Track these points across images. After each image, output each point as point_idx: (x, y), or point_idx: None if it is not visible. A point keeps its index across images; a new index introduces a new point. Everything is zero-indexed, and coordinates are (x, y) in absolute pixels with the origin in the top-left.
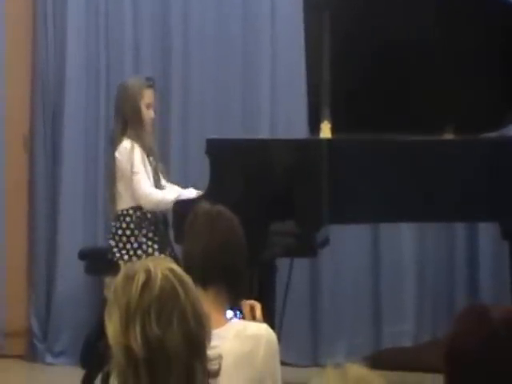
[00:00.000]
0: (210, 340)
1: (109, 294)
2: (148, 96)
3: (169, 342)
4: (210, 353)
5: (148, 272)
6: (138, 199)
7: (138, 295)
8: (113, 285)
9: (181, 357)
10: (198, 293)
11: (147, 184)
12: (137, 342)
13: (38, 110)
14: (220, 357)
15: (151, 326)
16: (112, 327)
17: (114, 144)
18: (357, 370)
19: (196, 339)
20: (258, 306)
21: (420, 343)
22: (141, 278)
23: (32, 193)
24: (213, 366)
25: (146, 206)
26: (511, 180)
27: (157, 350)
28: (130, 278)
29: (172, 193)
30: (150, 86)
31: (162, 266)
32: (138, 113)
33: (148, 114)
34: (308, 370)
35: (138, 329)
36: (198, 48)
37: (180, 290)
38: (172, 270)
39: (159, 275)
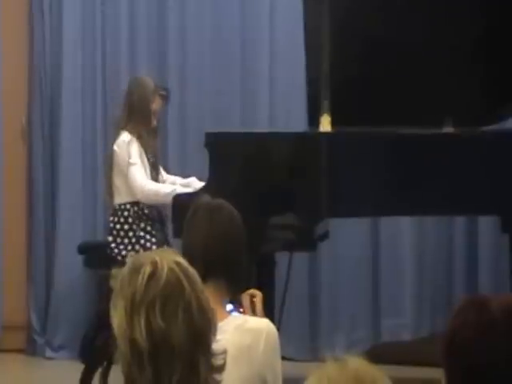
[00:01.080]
0: (215, 335)
1: (115, 285)
2: (157, 104)
3: (173, 335)
4: (215, 347)
5: (154, 264)
6: (134, 191)
7: (143, 287)
8: (119, 276)
9: (184, 350)
10: (203, 287)
11: (143, 175)
12: (141, 334)
13: (36, 100)
14: (225, 352)
15: (156, 318)
16: (117, 318)
17: (115, 132)
18: (357, 363)
19: (200, 333)
20: (258, 296)
21: (419, 337)
22: (147, 270)
23: (30, 185)
24: (218, 361)
25: (142, 198)
26: (510, 172)
27: (161, 343)
28: (136, 270)
29: (168, 186)
30: (163, 97)
31: (168, 258)
32: (145, 110)
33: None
34: (307, 364)
35: (142, 321)
36: (196, 40)
37: (185, 284)
38: (178, 264)
39: (165, 268)
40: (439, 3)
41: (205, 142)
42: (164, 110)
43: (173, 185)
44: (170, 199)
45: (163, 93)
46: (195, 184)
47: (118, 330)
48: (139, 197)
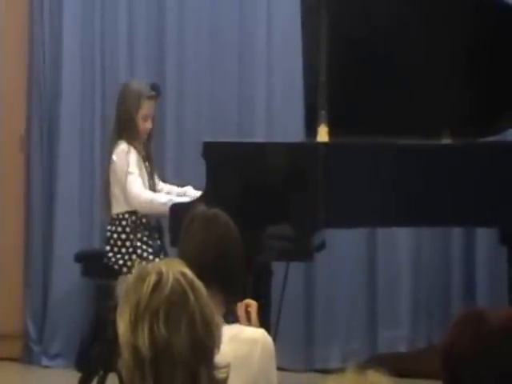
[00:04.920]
0: (218, 348)
1: (121, 292)
2: (146, 107)
3: (175, 345)
4: (218, 361)
5: (160, 274)
6: (130, 200)
7: (148, 296)
8: (125, 284)
9: (186, 361)
10: (209, 300)
11: (140, 185)
12: (144, 342)
13: (34, 110)
14: (228, 366)
15: (159, 328)
16: (122, 326)
17: (110, 144)
18: (377, 376)
19: (203, 344)
20: (253, 306)
21: (415, 349)
22: (152, 279)
23: (28, 195)
24: (220, 375)
25: (138, 208)
26: (510, 184)
27: (163, 352)
28: (141, 278)
29: (164, 196)
30: (151, 98)
31: (174, 269)
32: (132, 124)
33: (143, 126)
34: (302, 374)
35: (145, 329)
36: (194, 51)
37: (190, 295)
38: (184, 274)
39: (170, 278)
40: (439, 14)
41: (202, 152)
42: (162, 118)
43: (169, 194)
44: (165, 209)
45: (150, 94)
46: (191, 193)
47: (122, 337)
48: (135, 206)
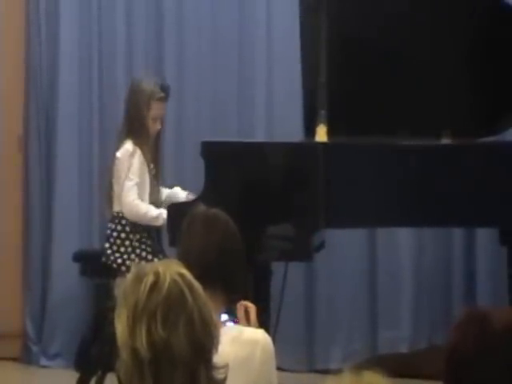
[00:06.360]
0: (217, 348)
1: (119, 294)
2: (156, 108)
3: (173, 345)
4: (217, 361)
5: (157, 274)
6: (122, 207)
7: (145, 296)
8: (123, 285)
9: (185, 361)
10: (207, 300)
11: (134, 195)
12: (142, 343)
13: (32, 110)
14: (227, 366)
15: (157, 328)
16: (120, 327)
17: (117, 142)
18: (373, 377)
19: (202, 345)
20: (252, 308)
21: (416, 349)
22: (149, 279)
23: (27, 194)
24: (219, 375)
25: (128, 215)
26: (510, 184)
27: (161, 352)
28: (139, 280)
29: (156, 210)
30: (161, 99)
31: (172, 270)
32: (142, 124)
33: (153, 127)
34: (303, 375)
35: (143, 330)
36: (193, 51)
37: (188, 295)
38: (182, 275)
39: (168, 279)
40: (439, 15)
41: (201, 151)
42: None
43: (159, 210)
44: (158, 223)
45: (160, 95)
46: (179, 194)
47: (120, 338)
48: (126, 215)
